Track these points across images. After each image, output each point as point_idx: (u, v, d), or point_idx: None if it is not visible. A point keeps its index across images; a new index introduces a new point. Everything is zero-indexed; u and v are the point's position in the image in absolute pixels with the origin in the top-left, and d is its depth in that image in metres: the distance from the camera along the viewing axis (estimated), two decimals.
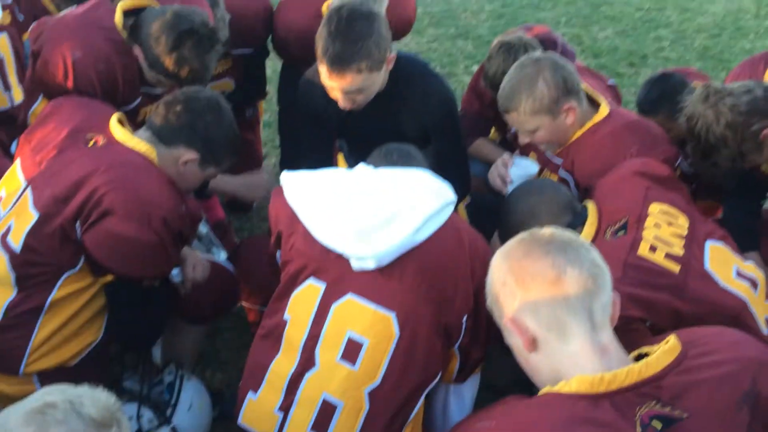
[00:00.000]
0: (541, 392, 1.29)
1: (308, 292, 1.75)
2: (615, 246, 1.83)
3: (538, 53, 2.33)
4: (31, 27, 2.72)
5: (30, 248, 1.90)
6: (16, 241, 1.92)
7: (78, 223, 1.88)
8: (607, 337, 1.30)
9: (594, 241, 1.89)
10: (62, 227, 1.88)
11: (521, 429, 1.23)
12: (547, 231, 1.39)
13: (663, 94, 2.66)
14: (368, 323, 1.70)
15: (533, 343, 1.31)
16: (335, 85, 2.17)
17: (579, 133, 2.26)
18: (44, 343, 1.95)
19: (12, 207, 1.99)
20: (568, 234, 1.40)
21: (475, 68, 5.07)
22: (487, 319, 1.67)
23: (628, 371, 1.22)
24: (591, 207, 1.99)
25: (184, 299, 2.22)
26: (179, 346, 2.41)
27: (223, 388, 2.55)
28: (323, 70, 2.15)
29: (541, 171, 2.42)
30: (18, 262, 1.91)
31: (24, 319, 1.93)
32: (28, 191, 1.96)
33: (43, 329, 1.94)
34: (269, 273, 1.99)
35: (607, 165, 2.12)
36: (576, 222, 1.94)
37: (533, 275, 1.31)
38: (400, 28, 3.19)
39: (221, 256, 2.62)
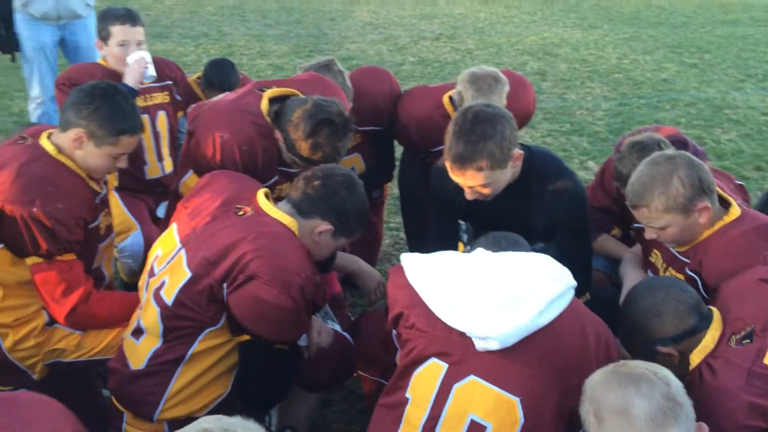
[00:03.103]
0: None
1: (430, 372, 1.77)
2: (739, 354, 1.80)
3: (671, 151, 2.31)
4: (189, 108, 3.05)
5: (180, 303, 2.07)
6: (169, 296, 2.10)
7: (225, 285, 2.04)
8: None
9: (718, 346, 1.85)
10: (211, 287, 2.04)
11: None
12: (629, 363, 1.54)
13: None
14: (491, 407, 1.70)
15: None
16: (459, 180, 2.31)
17: (708, 232, 2.21)
18: (179, 392, 2.10)
19: (167, 265, 2.18)
20: (649, 367, 1.51)
21: (591, 164, 5.13)
22: None
23: None
24: (716, 311, 1.95)
25: (305, 364, 2.32)
26: (294, 412, 2.50)
27: None
28: (448, 166, 2.30)
29: (666, 269, 2.38)
30: (168, 314, 2.09)
31: (165, 368, 2.09)
32: (183, 252, 2.15)
33: (180, 378, 2.09)
34: (383, 351, 2.06)
35: (738, 267, 2.07)
36: (701, 325, 1.90)
37: (606, 407, 1.48)
38: (518, 120, 3.30)
39: (336, 329, 2.73)
